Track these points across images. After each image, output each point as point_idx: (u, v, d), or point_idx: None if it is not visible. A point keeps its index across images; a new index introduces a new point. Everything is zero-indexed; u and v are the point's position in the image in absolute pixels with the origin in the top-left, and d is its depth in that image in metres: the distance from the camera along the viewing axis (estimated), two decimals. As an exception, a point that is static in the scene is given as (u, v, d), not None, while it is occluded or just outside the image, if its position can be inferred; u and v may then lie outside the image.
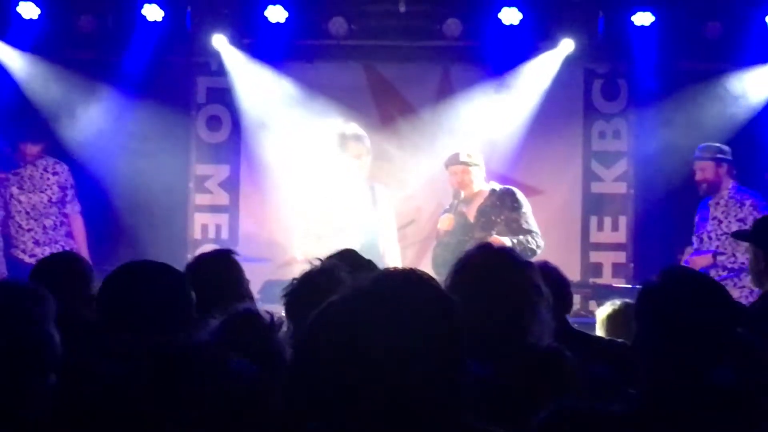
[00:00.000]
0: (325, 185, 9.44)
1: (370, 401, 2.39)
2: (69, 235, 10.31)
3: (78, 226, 10.41)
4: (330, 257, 4.93)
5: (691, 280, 3.11)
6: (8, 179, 10.21)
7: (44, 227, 10.26)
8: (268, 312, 3.68)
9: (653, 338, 2.98)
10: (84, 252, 10.06)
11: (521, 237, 8.61)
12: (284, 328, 3.65)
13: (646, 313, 3.05)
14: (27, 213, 10.23)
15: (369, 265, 4.87)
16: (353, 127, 9.44)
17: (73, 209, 10.40)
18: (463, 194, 8.73)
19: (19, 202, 10.23)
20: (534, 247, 8.63)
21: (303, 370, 2.69)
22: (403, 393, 2.38)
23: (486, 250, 3.89)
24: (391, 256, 9.37)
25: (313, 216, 9.39)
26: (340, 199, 9.15)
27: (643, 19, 10.48)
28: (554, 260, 5.44)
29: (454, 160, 8.80)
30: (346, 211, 9.11)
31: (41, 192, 10.30)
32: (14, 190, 10.23)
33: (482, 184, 8.80)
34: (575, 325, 5.11)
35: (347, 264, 4.46)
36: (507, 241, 8.42)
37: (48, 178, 10.33)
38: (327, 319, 2.60)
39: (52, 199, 10.29)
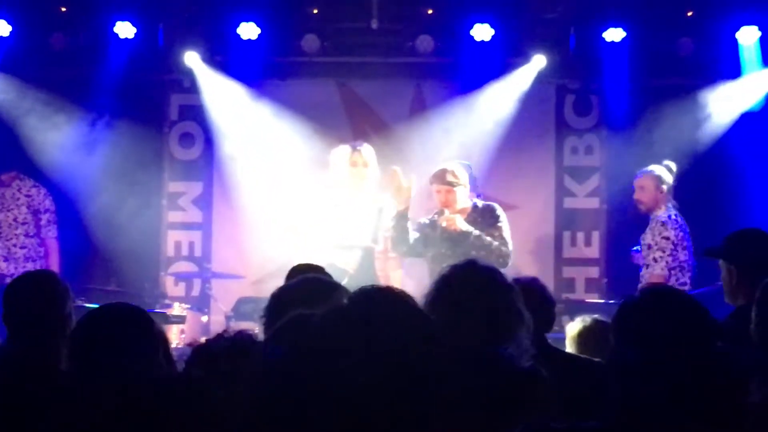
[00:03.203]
0: (317, 199, 9.38)
1: (339, 420, 2.38)
2: (30, 258, 10.26)
3: (52, 251, 10.37)
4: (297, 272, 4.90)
5: (670, 297, 3.11)
6: None
7: (8, 248, 10.23)
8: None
9: (630, 354, 2.99)
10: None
11: (494, 241, 8.62)
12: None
13: (625, 329, 3.06)
14: None
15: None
16: (355, 151, 9.33)
17: (47, 234, 10.36)
18: (447, 212, 8.72)
19: None
20: (504, 253, 8.62)
21: (274, 386, 2.68)
22: (374, 411, 2.37)
23: (470, 269, 3.86)
24: (392, 275, 9.33)
25: (311, 230, 9.35)
26: (338, 214, 9.11)
27: (614, 35, 10.54)
28: (527, 274, 5.45)
29: (440, 179, 8.76)
30: (346, 225, 9.07)
31: (8, 211, 10.26)
32: None
33: (465, 202, 8.83)
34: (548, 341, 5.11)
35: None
36: (466, 226, 8.50)
37: (18, 198, 10.29)
38: (301, 336, 2.59)
39: (18, 219, 10.25)
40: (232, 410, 3.05)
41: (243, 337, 3.70)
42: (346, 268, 8.56)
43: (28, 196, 10.33)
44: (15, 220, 10.27)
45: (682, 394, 2.93)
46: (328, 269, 8.23)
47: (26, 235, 10.30)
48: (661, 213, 9.29)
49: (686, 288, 8.85)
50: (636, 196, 9.40)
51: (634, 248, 9.60)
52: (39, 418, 3.53)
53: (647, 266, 9.22)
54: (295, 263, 5.51)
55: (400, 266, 9.41)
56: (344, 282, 4.43)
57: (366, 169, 9.05)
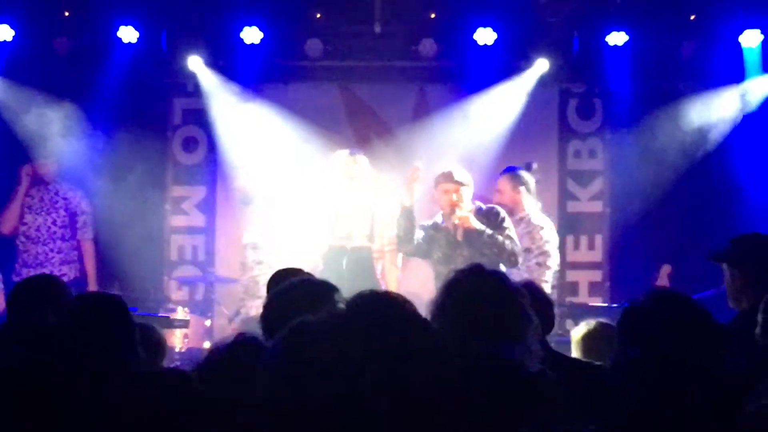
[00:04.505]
0: (315, 202, 9.44)
1: (338, 425, 2.38)
2: (65, 262, 10.30)
3: (88, 252, 10.42)
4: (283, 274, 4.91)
5: (675, 302, 3.11)
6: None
7: (46, 252, 10.27)
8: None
9: (635, 358, 2.99)
10: (92, 276, 10.11)
11: (506, 240, 8.63)
12: None
13: (628, 333, 3.05)
14: (26, 236, 10.26)
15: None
16: (351, 156, 9.39)
17: (84, 235, 10.41)
18: (457, 211, 8.72)
19: (24, 224, 10.28)
20: (516, 251, 8.63)
21: (274, 388, 2.67)
22: (374, 417, 2.37)
23: (476, 274, 3.85)
24: (388, 281, 9.35)
25: (310, 233, 9.40)
26: (334, 218, 9.16)
27: (617, 39, 10.54)
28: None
29: (447, 178, 8.78)
30: (342, 227, 9.11)
31: (47, 215, 10.30)
32: (24, 210, 10.28)
33: (469, 204, 8.84)
34: (552, 345, 5.11)
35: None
36: (479, 224, 8.53)
37: (57, 201, 10.34)
38: (299, 340, 2.59)
39: (57, 222, 10.29)
40: (225, 412, 3.06)
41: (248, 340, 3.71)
42: (344, 269, 8.59)
43: (65, 198, 10.38)
44: (54, 223, 10.31)
45: (684, 397, 2.93)
46: (326, 272, 8.29)
47: (62, 239, 10.34)
48: (525, 214, 9.26)
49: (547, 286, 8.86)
50: (494, 200, 9.35)
51: None
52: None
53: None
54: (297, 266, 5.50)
55: (397, 267, 9.44)
56: (342, 283, 4.39)
57: (360, 175, 9.14)
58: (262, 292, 8.77)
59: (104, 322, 4.07)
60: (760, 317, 4.36)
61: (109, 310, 4.19)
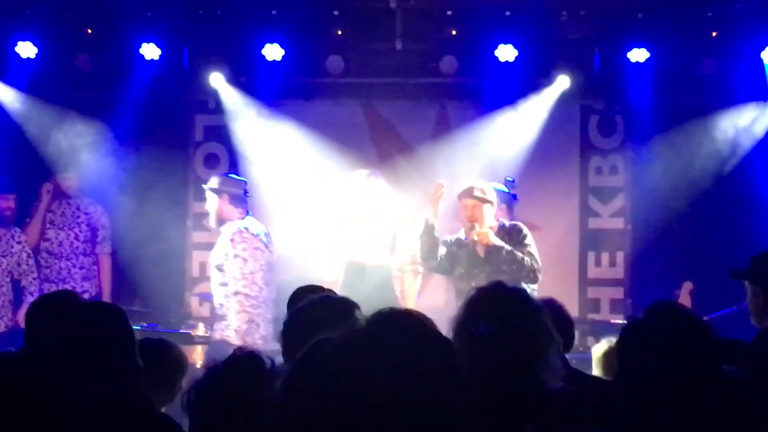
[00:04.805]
0: (336, 221, 9.45)
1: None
2: (86, 278, 10.34)
3: (105, 266, 10.46)
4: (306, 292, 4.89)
5: (674, 317, 3.11)
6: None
7: (69, 268, 10.30)
8: (269, 357, 3.67)
9: (635, 373, 2.99)
10: (106, 292, 10.14)
11: (525, 256, 8.65)
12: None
13: (629, 349, 3.06)
14: (48, 252, 10.31)
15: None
16: (369, 177, 9.41)
17: (102, 250, 10.46)
18: (477, 227, 8.74)
19: (47, 240, 10.32)
20: (536, 268, 8.65)
21: (290, 406, 2.67)
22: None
23: (497, 291, 3.84)
24: (407, 299, 9.37)
25: (331, 251, 9.41)
26: (354, 236, 9.18)
27: (638, 55, 10.53)
28: (551, 295, 5.44)
29: (468, 194, 8.83)
30: (362, 246, 9.13)
31: (69, 230, 10.35)
32: (46, 226, 10.33)
33: (492, 221, 8.86)
34: (572, 362, 5.10)
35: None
36: (498, 241, 8.55)
37: (78, 216, 10.39)
38: (318, 358, 2.59)
39: (79, 237, 10.34)
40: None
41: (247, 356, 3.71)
42: (363, 286, 8.59)
43: (87, 213, 10.44)
44: (76, 238, 10.36)
45: (685, 406, 2.93)
46: (344, 289, 8.28)
47: (84, 254, 10.38)
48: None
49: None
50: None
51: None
52: None
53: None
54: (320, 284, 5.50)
55: (416, 286, 9.46)
56: (361, 301, 4.39)
57: (379, 194, 9.15)
58: (229, 316, 8.82)
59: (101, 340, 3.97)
60: None
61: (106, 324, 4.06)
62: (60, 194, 10.46)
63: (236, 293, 8.97)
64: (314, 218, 10.32)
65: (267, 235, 9.21)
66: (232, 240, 9.08)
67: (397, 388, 2.35)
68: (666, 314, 3.14)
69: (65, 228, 10.38)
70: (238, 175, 10.52)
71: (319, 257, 9.61)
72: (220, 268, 9.09)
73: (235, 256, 9.03)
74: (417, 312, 2.54)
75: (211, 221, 9.32)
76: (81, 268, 10.36)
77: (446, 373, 2.43)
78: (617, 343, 3.15)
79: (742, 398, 3.16)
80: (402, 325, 2.47)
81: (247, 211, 9.25)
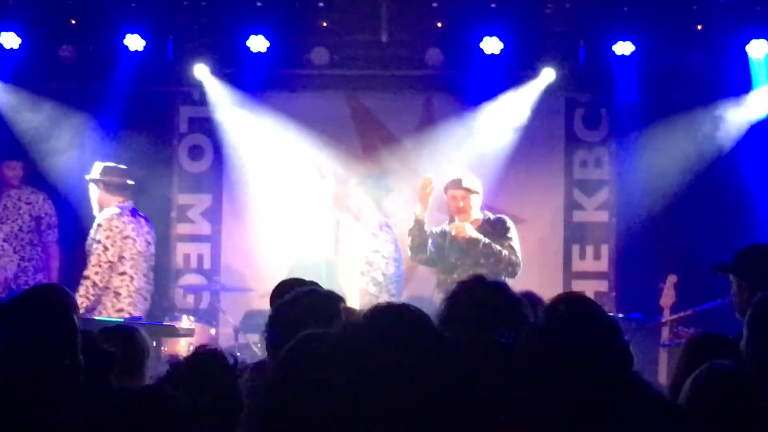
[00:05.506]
0: (296, 215, 9.51)
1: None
2: (39, 270, 10.28)
3: (53, 255, 10.41)
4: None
5: (579, 318, 3.17)
6: None
7: (18, 261, 10.25)
8: (232, 354, 3.69)
9: (538, 376, 3.06)
10: (55, 280, 10.08)
11: (503, 249, 8.67)
12: (245, 376, 3.66)
13: (533, 352, 3.13)
14: None
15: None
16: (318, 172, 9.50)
17: (48, 238, 10.40)
18: (457, 220, 8.78)
19: None
20: (514, 262, 8.67)
21: (279, 401, 2.66)
22: (388, 429, 2.36)
23: (478, 285, 3.84)
24: (349, 294, 9.36)
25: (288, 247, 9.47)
26: (305, 232, 9.25)
27: (623, 48, 10.52)
28: (536, 289, 5.42)
29: (456, 185, 8.85)
30: (309, 244, 9.21)
31: (12, 222, 10.28)
32: None
33: (478, 213, 8.88)
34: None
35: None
36: (475, 233, 8.56)
37: (20, 207, 10.32)
38: (312, 353, 2.58)
39: (23, 228, 10.27)
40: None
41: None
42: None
43: (28, 203, 10.37)
44: (20, 229, 10.30)
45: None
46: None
47: (31, 244, 10.32)
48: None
49: None
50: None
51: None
52: None
53: None
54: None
55: (361, 276, 9.52)
56: None
57: (321, 184, 9.22)
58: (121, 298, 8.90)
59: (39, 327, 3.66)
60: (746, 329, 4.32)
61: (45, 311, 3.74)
62: (3, 185, 10.40)
63: (86, 278, 9.17)
64: (293, 212, 10.32)
65: (148, 223, 9.45)
66: (99, 225, 9.28)
67: (393, 381, 2.35)
68: (571, 317, 3.21)
69: (8, 221, 10.31)
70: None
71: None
72: (87, 251, 9.23)
73: (98, 241, 9.21)
74: (414, 307, 2.55)
75: (94, 209, 9.40)
76: (30, 260, 10.31)
77: (442, 367, 2.43)
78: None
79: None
80: (400, 320, 2.47)
81: (131, 200, 9.46)
